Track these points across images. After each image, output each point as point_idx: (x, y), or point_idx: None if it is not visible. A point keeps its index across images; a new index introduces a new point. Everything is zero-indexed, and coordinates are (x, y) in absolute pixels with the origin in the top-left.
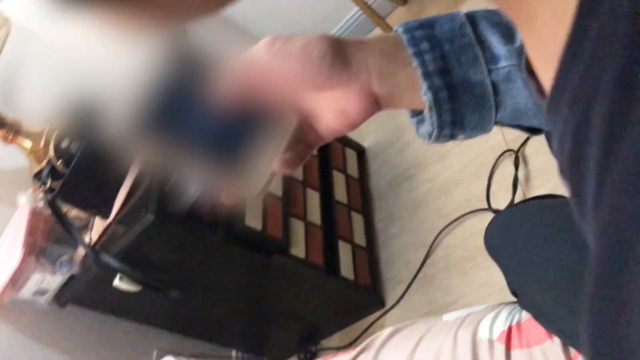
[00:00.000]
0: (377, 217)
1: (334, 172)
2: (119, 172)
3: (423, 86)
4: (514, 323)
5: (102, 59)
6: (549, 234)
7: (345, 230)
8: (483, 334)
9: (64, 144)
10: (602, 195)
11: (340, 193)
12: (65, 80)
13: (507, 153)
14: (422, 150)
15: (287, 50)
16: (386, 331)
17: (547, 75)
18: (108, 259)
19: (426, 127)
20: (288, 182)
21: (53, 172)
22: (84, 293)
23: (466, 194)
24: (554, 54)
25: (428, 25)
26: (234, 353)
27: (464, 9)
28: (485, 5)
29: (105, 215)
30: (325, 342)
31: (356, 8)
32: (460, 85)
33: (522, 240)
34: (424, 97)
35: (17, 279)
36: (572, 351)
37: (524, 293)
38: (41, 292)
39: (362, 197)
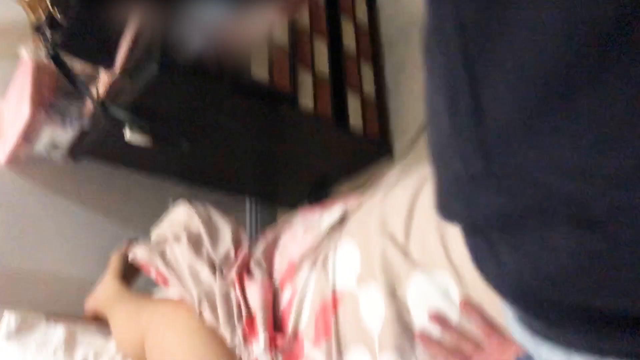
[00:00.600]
0: (387, 66)
1: (343, 19)
2: (121, 18)
3: None
4: None
5: None
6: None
7: (354, 80)
8: None
9: None
10: None
11: (349, 41)
12: None
13: None
14: None
15: None
16: (394, 173)
17: None
18: (116, 111)
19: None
20: (294, 30)
21: (52, 23)
22: (96, 146)
23: None
24: None
25: None
26: (247, 201)
27: None
28: None
29: (109, 66)
30: (335, 189)
31: None
32: None
33: None
34: None
35: (28, 134)
36: None
37: None
38: (54, 147)
39: (372, 45)
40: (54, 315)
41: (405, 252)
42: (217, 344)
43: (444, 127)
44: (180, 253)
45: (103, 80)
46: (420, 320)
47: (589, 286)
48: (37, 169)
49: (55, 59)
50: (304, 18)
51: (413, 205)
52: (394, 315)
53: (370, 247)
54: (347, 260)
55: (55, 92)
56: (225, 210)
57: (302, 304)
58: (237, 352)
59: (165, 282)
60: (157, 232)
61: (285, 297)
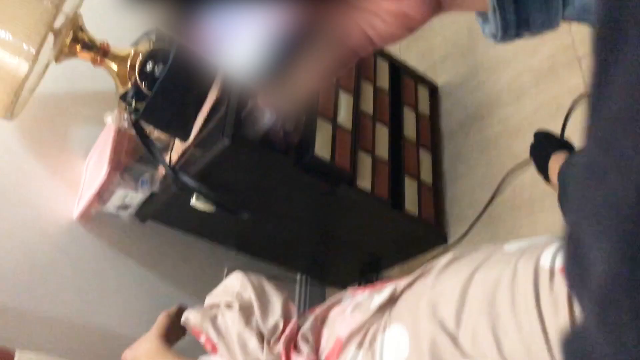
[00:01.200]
0: (445, 156)
1: (405, 108)
2: (199, 96)
3: None
4: None
5: None
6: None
7: (413, 166)
8: (545, 263)
9: (149, 67)
10: None
11: (409, 129)
12: None
13: (586, 96)
14: (496, 91)
15: None
16: (446, 257)
17: None
18: (186, 178)
19: (491, 28)
20: (358, 115)
21: (138, 94)
22: (163, 210)
23: None
24: None
25: None
26: (298, 276)
27: None
28: None
29: (184, 138)
30: (387, 274)
31: None
32: None
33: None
34: None
35: (103, 193)
36: None
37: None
38: (124, 207)
39: (432, 135)
40: None
41: (455, 340)
42: None
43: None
44: (231, 320)
45: (177, 149)
46: None
47: None
48: (105, 226)
49: (136, 126)
50: (368, 104)
51: (465, 292)
52: None
53: (420, 331)
54: (395, 343)
55: (132, 156)
56: (276, 284)
57: None
58: None
59: (214, 349)
60: (210, 298)
61: None
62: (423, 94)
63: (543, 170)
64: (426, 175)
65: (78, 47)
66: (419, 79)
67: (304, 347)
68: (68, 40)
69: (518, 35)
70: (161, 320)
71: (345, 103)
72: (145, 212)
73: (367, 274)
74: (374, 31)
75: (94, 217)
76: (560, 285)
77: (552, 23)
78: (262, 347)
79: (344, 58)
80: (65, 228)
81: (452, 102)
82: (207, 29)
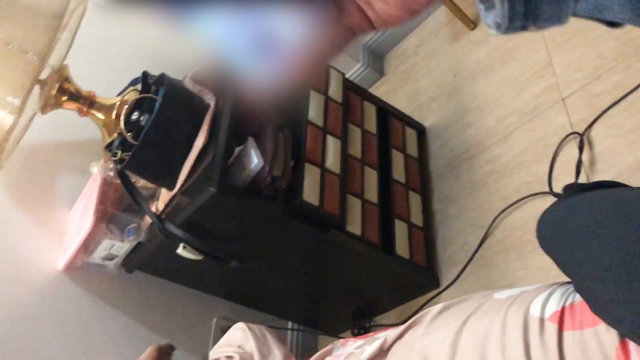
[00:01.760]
0: (435, 197)
1: (393, 151)
2: (185, 144)
3: None
4: (567, 304)
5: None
6: (607, 221)
7: (402, 209)
8: (535, 312)
9: (134, 117)
10: None
11: (398, 172)
12: (136, 55)
13: (572, 136)
14: (483, 132)
15: None
16: (436, 307)
17: None
18: (173, 228)
19: (495, 17)
20: (346, 159)
21: (123, 144)
22: (150, 260)
23: (527, 176)
24: None
25: None
26: (289, 325)
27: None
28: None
29: (170, 187)
30: (379, 319)
31: None
32: None
33: (576, 231)
34: None
35: (88, 244)
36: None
37: (576, 279)
38: (110, 257)
39: (421, 177)
40: None
41: None
42: None
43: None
44: None
45: (163, 197)
46: None
47: None
48: (91, 277)
49: (122, 176)
50: (357, 148)
51: (456, 344)
52: None
53: None
54: None
55: (118, 206)
56: (278, 334)
57: None
58: None
59: None
60: (214, 352)
61: None
62: (411, 135)
63: None
64: (416, 217)
65: (64, 98)
66: (407, 121)
67: None
68: (54, 92)
69: (524, 27)
70: (150, 352)
71: (333, 147)
72: (132, 262)
73: (360, 319)
74: (373, 12)
75: (80, 267)
76: (551, 334)
77: (562, 18)
78: None
79: (341, 38)
80: (51, 279)
81: (440, 143)
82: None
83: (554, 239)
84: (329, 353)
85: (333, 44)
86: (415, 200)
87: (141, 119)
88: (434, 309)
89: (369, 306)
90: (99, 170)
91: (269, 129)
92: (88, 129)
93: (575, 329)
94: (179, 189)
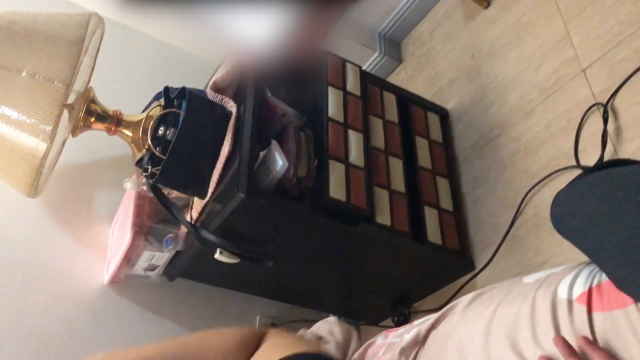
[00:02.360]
0: (462, 181)
1: (417, 137)
2: (212, 153)
3: None
4: (594, 284)
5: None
6: (617, 201)
7: (431, 195)
8: (562, 294)
9: (160, 132)
10: None
11: (423, 158)
12: (156, 69)
13: (595, 107)
14: (506, 110)
15: None
16: (468, 297)
17: None
18: (207, 234)
19: None
20: (369, 152)
21: (153, 159)
22: (189, 267)
23: (553, 151)
24: None
25: None
26: (330, 317)
27: None
28: None
29: (202, 195)
30: (419, 305)
31: None
32: None
33: (589, 212)
34: None
35: (130, 257)
36: None
37: (597, 261)
38: (152, 268)
39: (447, 161)
40: None
41: None
42: None
43: None
44: None
45: (196, 206)
46: None
47: None
48: (135, 288)
49: (155, 190)
50: (379, 139)
51: (488, 332)
52: None
53: None
54: None
55: (154, 218)
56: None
57: None
58: None
59: None
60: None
61: None
62: (433, 120)
63: None
64: (445, 202)
65: (92, 119)
66: (428, 106)
67: None
68: (82, 114)
69: None
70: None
71: (355, 141)
72: (173, 270)
73: (400, 307)
74: None
75: (123, 280)
76: (581, 316)
77: None
78: None
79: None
80: (98, 294)
81: (464, 126)
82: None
83: (567, 222)
84: (373, 343)
85: (332, 12)
86: (443, 185)
87: (167, 133)
88: (465, 299)
89: (406, 294)
90: (132, 186)
91: (290, 131)
92: (119, 147)
93: (605, 309)
94: (210, 197)
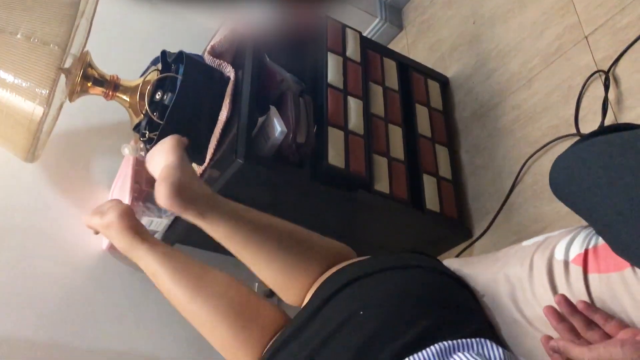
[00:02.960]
0: (462, 149)
1: (417, 105)
2: (209, 118)
3: None
4: (590, 246)
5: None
6: (615, 164)
7: (430, 163)
8: (559, 255)
9: (158, 97)
10: None
11: (423, 126)
12: (153, 34)
13: (597, 74)
14: (507, 77)
15: None
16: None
17: None
18: None
19: None
20: (369, 119)
21: (150, 124)
22: (188, 233)
23: (554, 119)
24: None
25: None
26: None
27: None
28: None
29: (200, 161)
30: None
31: None
32: None
33: (587, 176)
34: None
35: None
36: None
37: (595, 225)
38: (150, 234)
39: (447, 129)
40: None
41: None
42: None
43: None
44: None
45: None
46: None
47: None
48: None
49: None
50: (379, 106)
51: (488, 289)
52: None
53: None
54: None
55: (152, 183)
56: None
57: None
58: None
59: None
60: None
61: None
62: (434, 88)
63: None
64: (444, 170)
65: (89, 84)
66: (429, 73)
67: None
68: (79, 79)
69: None
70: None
71: (354, 108)
72: (172, 236)
73: None
74: None
75: None
76: (576, 276)
77: None
78: None
79: None
80: (97, 259)
81: (464, 93)
82: None
83: (567, 187)
84: None
85: None
86: (442, 153)
87: (164, 98)
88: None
89: None
90: (130, 151)
91: (289, 97)
92: (117, 112)
93: (601, 272)
94: (209, 163)
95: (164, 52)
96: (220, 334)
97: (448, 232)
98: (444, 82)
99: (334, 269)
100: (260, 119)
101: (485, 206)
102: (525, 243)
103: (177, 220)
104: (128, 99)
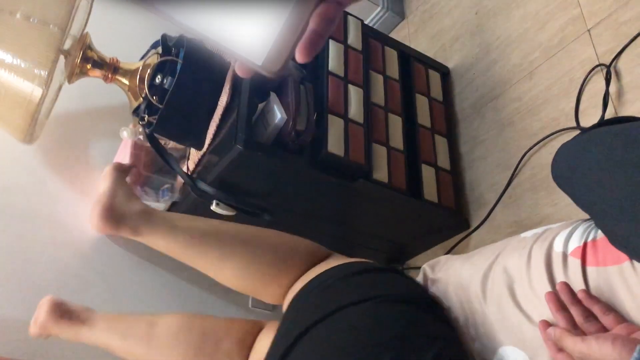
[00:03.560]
0: (461, 140)
1: (417, 95)
2: (209, 103)
3: None
4: (589, 240)
5: None
6: (617, 157)
7: (429, 153)
8: (558, 247)
9: (158, 80)
10: None
11: (423, 116)
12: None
13: (599, 68)
14: (508, 69)
15: None
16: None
17: None
18: (204, 186)
19: None
20: (369, 107)
21: (150, 107)
22: None
23: (554, 112)
24: None
25: None
26: None
27: None
28: None
29: (199, 146)
30: (412, 262)
31: None
32: None
33: (590, 166)
34: None
35: None
36: None
37: (595, 216)
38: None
39: (446, 120)
40: None
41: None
42: None
43: None
44: None
45: (193, 157)
46: None
47: None
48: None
49: (151, 139)
50: (379, 95)
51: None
52: None
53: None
54: None
55: (150, 168)
56: None
57: None
58: None
59: None
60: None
61: None
62: (434, 78)
63: None
64: (443, 161)
65: (88, 66)
66: (430, 63)
67: None
68: (78, 61)
69: None
70: (111, 173)
71: (355, 97)
72: None
73: (393, 264)
74: None
75: None
76: (575, 269)
77: None
78: None
79: (331, 12)
80: (93, 241)
81: (465, 84)
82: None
83: (568, 178)
84: None
85: (326, 19)
86: (441, 144)
87: (164, 81)
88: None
89: (401, 250)
90: (128, 135)
91: (290, 84)
92: (116, 95)
93: (599, 265)
94: (207, 148)
95: (164, 36)
96: None
97: (446, 223)
98: (444, 73)
99: (298, 284)
100: (261, 105)
101: (483, 197)
102: (524, 235)
103: (174, 205)
104: (127, 82)
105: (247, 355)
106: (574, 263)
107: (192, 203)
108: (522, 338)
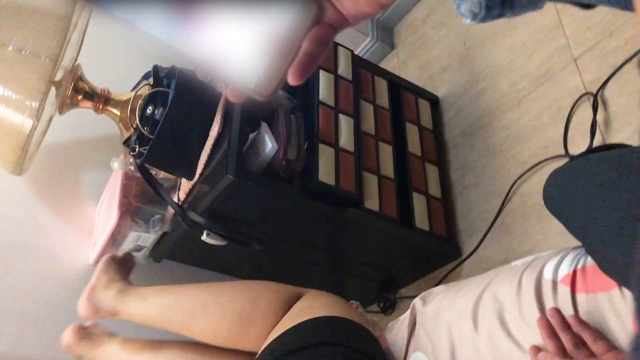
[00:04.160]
0: (452, 168)
1: (407, 124)
2: (200, 134)
3: None
4: (579, 267)
5: None
6: (609, 183)
7: (420, 181)
8: (547, 275)
9: (149, 111)
10: None
11: (413, 145)
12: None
13: (586, 96)
14: (497, 98)
15: None
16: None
17: None
18: (195, 216)
19: (470, 6)
20: (360, 136)
21: (140, 138)
22: (176, 248)
23: (543, 140)
24: None
25: None
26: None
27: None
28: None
29: (189, 177)
30: (405, 291)
31: None
32: None
33: (581, 191)
34: None
35: (116, 237)
36: None
37: (586, 241)
38: (138, 249)
39: (436, 148)
40: None
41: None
42: None
43: None
44: None
45: (184, 187)
46: None
47: None
48: None
49: (142, 170)
50: (370, 124)
51: (476, 311)
52: None
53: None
54: None
55: (141, 198)
56: None
57: None
58: None
59: None
60: None
61: None
62: (424, 107)
63: None
64: (434, 189)
65: (80, 97)
66: (419, 92)
67: None
68: (69, 92)
69: (501, 15)
70: (106, 264)
71: (345, 126)
72: (159, 251)
73: (386, 292)
74: (344, 9)
75: None
76: (564, 296)
77: (538, 4)
78: None
79: (324, 36)
80: (84, 274)
81: (454, 113)
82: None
83: (560, 203)
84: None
85: (319, 43)
86: (432, 172)
87: (155, 112)
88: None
89: (393, 279)
90: (119, 166)
91: (281, 113)
92: (107, 126)
93: (588, 292)
94: (198, 178)
95: (155, 67)
96: None
97: (437, 251)
98: (434, 101)
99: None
100: (252, 135)
101: (474, 225)
102: (514, 263)
103: (165, 235)
104: (119, 113)
105: None
106: (564, 290)
107: (183, 233)
108: None
